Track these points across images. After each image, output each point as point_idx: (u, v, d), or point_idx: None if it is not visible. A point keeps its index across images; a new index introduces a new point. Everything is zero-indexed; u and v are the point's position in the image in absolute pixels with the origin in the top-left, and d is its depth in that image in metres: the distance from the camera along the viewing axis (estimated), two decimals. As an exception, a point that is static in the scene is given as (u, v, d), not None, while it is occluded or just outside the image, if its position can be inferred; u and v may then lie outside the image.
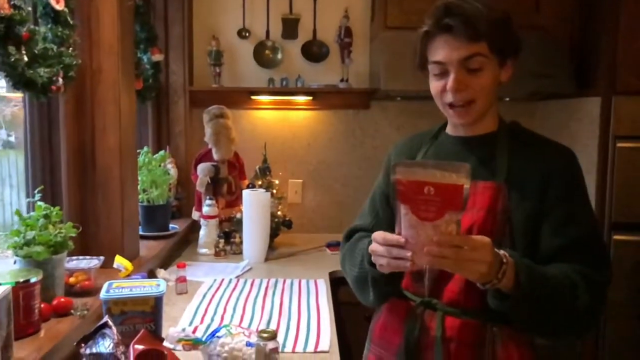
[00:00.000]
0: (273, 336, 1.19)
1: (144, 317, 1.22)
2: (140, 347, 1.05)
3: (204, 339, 1.24)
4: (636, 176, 2.20)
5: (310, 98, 2.68)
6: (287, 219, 2.45)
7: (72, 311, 1.32)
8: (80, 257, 1.55)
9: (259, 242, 2.23)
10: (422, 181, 0.93)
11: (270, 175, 2.43)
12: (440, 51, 1.13)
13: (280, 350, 1.24)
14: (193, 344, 1.23)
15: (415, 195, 0.93)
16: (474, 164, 1.14)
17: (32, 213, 1.36)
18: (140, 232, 2.04)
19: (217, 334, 1.23)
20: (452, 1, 1.13)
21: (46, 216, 1.35)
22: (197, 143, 2.62)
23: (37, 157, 1.62)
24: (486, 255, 0.96)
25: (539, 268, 1.06)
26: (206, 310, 1.64)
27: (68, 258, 1.45)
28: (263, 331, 1.19)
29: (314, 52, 2.71)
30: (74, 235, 1.39)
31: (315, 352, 1.38)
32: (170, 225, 2.29)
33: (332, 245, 2.43)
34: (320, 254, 2.41)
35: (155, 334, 1.22)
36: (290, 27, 2.70)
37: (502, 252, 1.01)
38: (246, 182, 2.51)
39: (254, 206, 2.21)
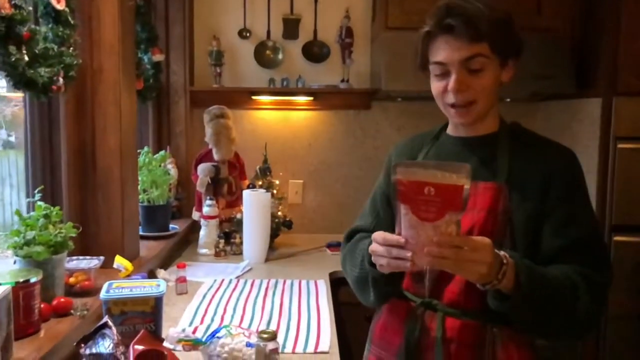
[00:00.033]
0: (273, 337, 1.18)
1: (144, 318, 1.22)
2: (140, 347, 1.05)
3: (204, 339, 1.24)
4: (637, 177, 2.20)
5: (311, 98, 2.68)
6: (287, 219, 2.45)
7: (72, 311, 1.32)
8: (80, 257, 1.54)
9: (259, 243, 2.22)
10: (422, 181, 0.93)
11: (270, 175, 2.42)
12: (442, 52, 1.13)
13: (280, 350, 1.23)
14: (193, 344, 1.23)
15: (415, 196, 0.93)
16: (475, 164, 1.14)
17: (32, 213, 1.36)
18: (141, 233, 2.04)
19: (217, 335, 1.23)
20: (453, 1, 1.13)
21: (46, 216, 1.35)
22: (198, 143, 2.62)
23: (37, 157, 1.62)
24: (486, 256, 0.96)
25: (540, 269, 1.06)
26: (206, 311, 1.64)
27: (68, 258, 1.45)
28: (263, 332, 1.19)
29: (314, 52, 2.71)
30: (74, 235, 1.39)
31: (315, 352, 1.38)
32: (171, 226, 2.29)
33: (333, 246, 2.43)
34: (321, 254, 2.40)
35: (155, 335, 1.22)
36: (291, 27, 2.69)
37: (502, 252, 1.01)
38: (246, 182, 2.51)
39: (254, 206, 2.21)
